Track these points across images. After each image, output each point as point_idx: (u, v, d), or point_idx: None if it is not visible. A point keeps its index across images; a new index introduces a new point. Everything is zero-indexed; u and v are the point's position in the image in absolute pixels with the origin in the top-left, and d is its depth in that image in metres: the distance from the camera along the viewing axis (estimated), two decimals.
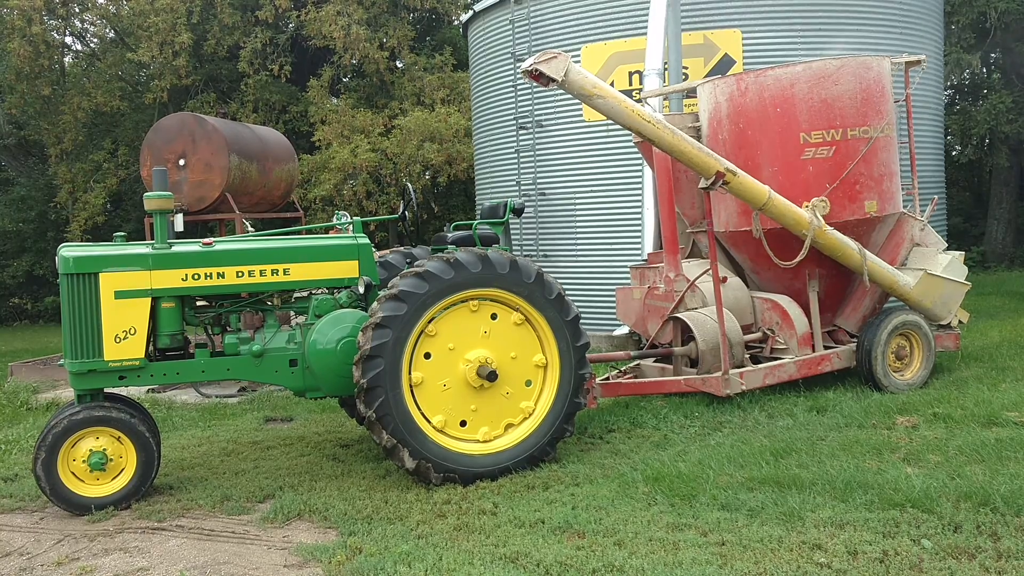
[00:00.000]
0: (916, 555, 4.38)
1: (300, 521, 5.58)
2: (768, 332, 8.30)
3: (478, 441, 6.20)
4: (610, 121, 7.51)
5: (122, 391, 6.95)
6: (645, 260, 9.48)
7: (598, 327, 11.53)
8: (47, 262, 23.21)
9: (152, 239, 6.63)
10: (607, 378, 8.28)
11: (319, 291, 6.75)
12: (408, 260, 7.29)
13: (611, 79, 11.63)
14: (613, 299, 9.73)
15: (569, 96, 7.50)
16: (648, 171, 10.24)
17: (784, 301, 8.23)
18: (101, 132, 23.75)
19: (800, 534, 4.73)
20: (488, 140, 13.91)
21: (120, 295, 5.95)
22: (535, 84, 6.65)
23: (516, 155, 12.85)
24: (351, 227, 7.02)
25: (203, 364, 6.28)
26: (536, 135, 12.56)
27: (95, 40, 24.15)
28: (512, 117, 12.87)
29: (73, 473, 5.87)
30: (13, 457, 7.57)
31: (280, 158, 14.26)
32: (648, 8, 10.49)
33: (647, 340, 8.68)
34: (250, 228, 12.68)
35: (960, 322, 8.70)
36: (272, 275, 6.35)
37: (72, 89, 22.45)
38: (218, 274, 6.21)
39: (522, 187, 12.79)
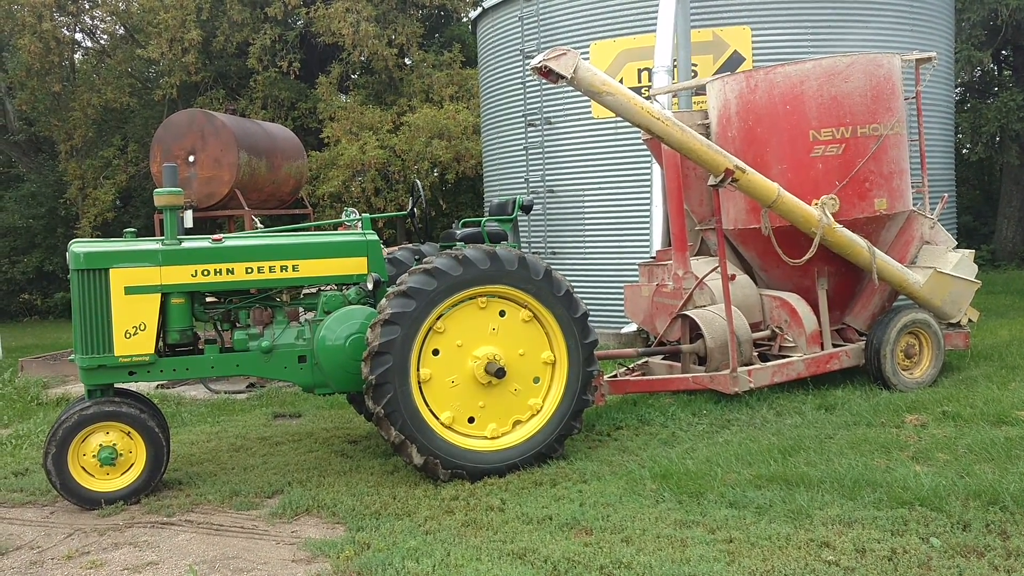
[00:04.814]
0: (925, 553, 4.37)
1: (308, 516, 5.60)
2: (777, 330, 8.28)
3: (486, 438, 6.20)
4: (619, 118, 7.50)
5: (132, 386, 6.98)
6: (653, 257, 9.47)
7: (606, 324, 11.52)
8: (57, 258, 23.30)
9: (162, 235, 6.65)
10: (615, 375, 8.28)
11: (328, 287, 6.77)
12: (417, 257, 7.30)
13: (620, 76, 11.61)
14: (621, 296, 9.72)
15: (578, 93, 7.51)
16: (657, 168, 10.23)
17: (793, 299, 8.21)
18: (111, 128, 23.82)
19: (808, 532, 4.73)
20: (497, 137, 13.91)
21: (130, 291, 5.97)
22: (544, 81, 6.65)
23: (525, 152, 12.85)
24: (360, 224, 7.04)
25: (212, 360, 6.30)
26: (545, 132, 12.55)
27: (105, 37, 24.21)
28: (521, 114, 12.87)
29: (83, 468, 5.90)
30: (24, 452, 7.61)
31: (289, 155, 14.28)
32: (657, 5, 10.46)
33: (655, 337, 8.68)
34: (259, 224, 12.71)
35: (970, 320, 8.66)
36: (281, 271, 6.37)
37: (82, 86, 22.52)
38: (227, 270, 6.23)
39: (530, 184, 12.79)
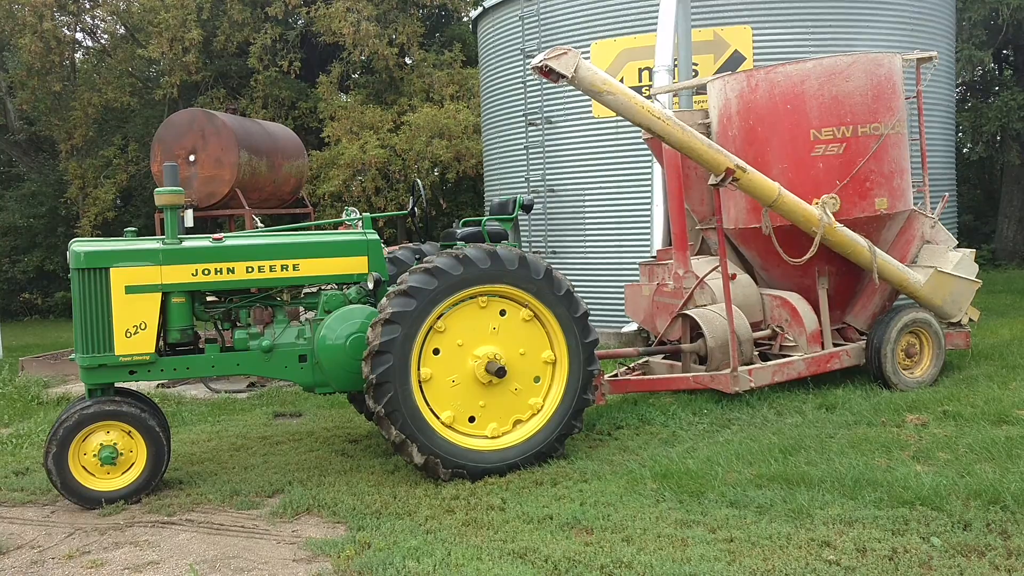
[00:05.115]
0: (925, 553, 4.37)
1: (309, 516, 5.59)
2: (777, 329, 8.28)
3: (487, 437, 6.20)
4: (619, 117, 7.51)
5: (132, 386, 6.99)
6: (654, 257, 9.47)
7: (607, 324, 11.52)
8: (57, 257, 23.31)
9: (162, 234, 6.65)
10: (615, 375, 8.28)
11: (328, 287, 6.77)
12: (417, 256, 7.30)
13: (621, 75, 11.61)
14: (622, 296, 9.72)
15: (578, 92, 7.51)
16: (657, 167, 10.23)
17: (793, 298, 8.21)
18: (111, 128, 23.84)
19: (809, 531, 4.73)
20: (497, 136, 13.91)
21: (131, 290, 5.97)
22: (545, 80, 6.66)
23: (525, 151, 12.84)
24: (360, 223, 7.03)
25: (213, 359, 6.30)
26: (545, 131, 12.55)
27: (105, 36, 24.23)
28: (521, 113, 12.86)
29: (84, 467, 5.90)
30: (24, 451, 7.61)
31: (289, 154, 14.29)
32: (658, 5, 10.47)
33: (656, 337, 8.68)
34: (259, 224, 12.73)
35: (971, 320, 8.66)
36: (282, 271, 6.37)
37: (82, 85, 22.54)
38: (228, 269, 6.23)
39: (531, 183, 12.79)
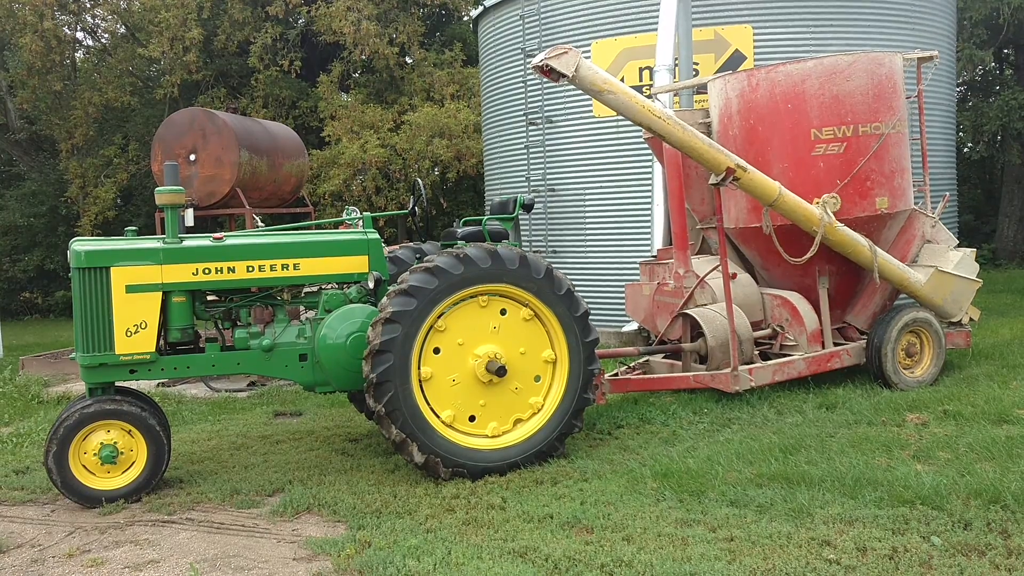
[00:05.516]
0: (926, 552, 4.37)
1: (309, 515, 5.60)
2: (778, 328, 8.28)
3: (487, 436, 6.20)
4: (620, 117, 7.51)
5: (133, 385, 6.98)
6: (655, 256, 9.47)
7: (607, 323, 11.52)
8: (58, 257, 23.32)
9: (163, 234, 6.65)
10: (616, 374, 8.28)
11: (329, 286, 6.76)
12: (417, 256, 7.30)
13: (621, 75, 11.60)
14: (622, 295, 9.73)
15: (579, 92, 7.51)
16: (658, 167, 10.23)
17: (794, 297, 8.21)
18: (112, 127, 23.84)
19: (809, 530, 4.73)
20: (498, 136, 13.91)
21: (131, 289, 5.97)
22: (545, 80, 6.66)
23: (526, 151, 12.84)
24: (361, 222, 7.03)
25: (213, 358, 6.30)
26: (546, 131, 12.55)
27: (106, 36, 24.24)
28: (522, 113, 12.86)
29: (84, 466, 5.90)
30: (25, 450, 7.62)
31: (290, 153, 14.29)
32: (658, 4, 10.47)
33: (656, 336, 8.68)
34: (260, 223, 12.73)
35: (971, 319, 8.66)
36: (282, 270, 6.37)
37: (83, 84, 22.55)
38: (228, 269, 6.23)
39: (531, 183, 12.79)
